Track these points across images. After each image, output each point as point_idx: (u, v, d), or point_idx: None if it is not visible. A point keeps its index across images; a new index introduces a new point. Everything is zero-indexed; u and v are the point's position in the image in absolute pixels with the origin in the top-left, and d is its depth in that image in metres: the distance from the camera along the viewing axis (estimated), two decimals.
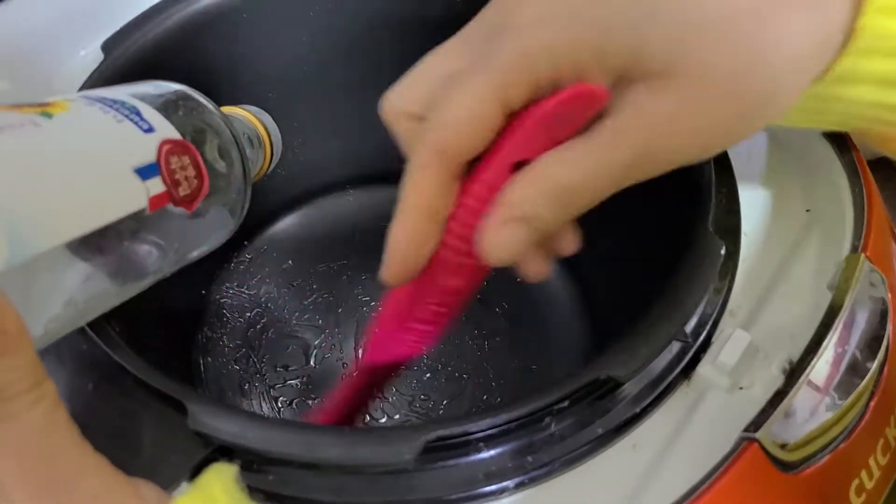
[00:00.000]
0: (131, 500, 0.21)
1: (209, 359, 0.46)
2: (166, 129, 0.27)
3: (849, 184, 0.32)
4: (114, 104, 0.26)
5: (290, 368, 0.46)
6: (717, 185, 0.33)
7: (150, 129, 0.26)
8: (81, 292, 0.23)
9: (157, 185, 0.25)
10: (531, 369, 0.45)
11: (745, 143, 0.37)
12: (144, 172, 0.25)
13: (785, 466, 0.25)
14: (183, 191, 0.26)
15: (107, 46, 0.37)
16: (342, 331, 0.47)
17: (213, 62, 0.40)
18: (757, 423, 0.25)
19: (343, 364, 0.46)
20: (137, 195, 0.25)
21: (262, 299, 0.49)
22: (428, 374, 0.45)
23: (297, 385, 0.45)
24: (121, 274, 0.25)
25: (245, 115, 0.36)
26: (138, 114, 0.26)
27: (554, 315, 0.47)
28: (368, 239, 0.51)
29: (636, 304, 0.32)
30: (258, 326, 0.48)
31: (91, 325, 0.29)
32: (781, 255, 0.33)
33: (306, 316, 0.48)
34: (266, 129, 0.36)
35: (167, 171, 0.26)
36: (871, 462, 0.27)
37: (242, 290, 0.49)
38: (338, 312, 0.48)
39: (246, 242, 0.51)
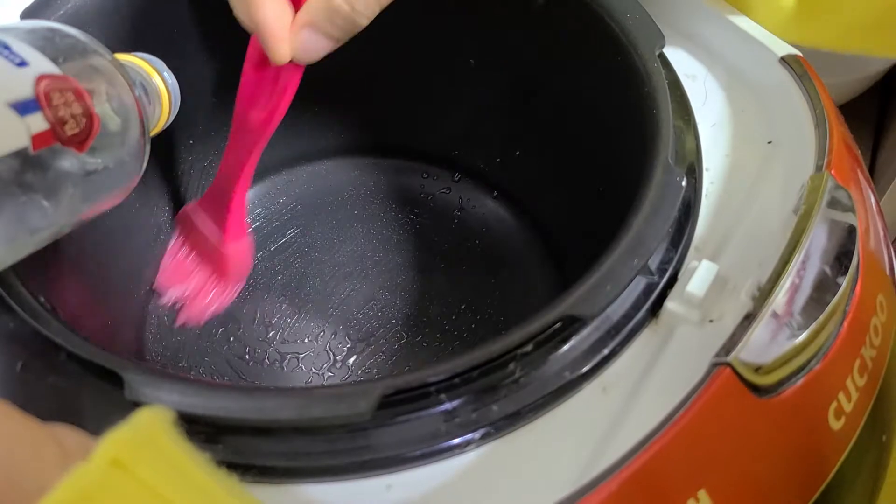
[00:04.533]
0: (45, 446, 0.19)
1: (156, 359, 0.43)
2: (43, 64, 0.25)
3: (808, 106, 0.32)
4: None
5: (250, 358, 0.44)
6: (675, 119, 0.32)
7: (23, 63, 0.24)
8: None
9: (39, 123, 0.24)
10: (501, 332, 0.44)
11: (702, 77, 0.36)
12: (22, 108, 0.23)
13: (760, 391, 0.24)
14: (70, 129, 0.25)
15: (27, 15, 0.34)
16: (310, 315, 0.45)
17: (151, 28, 0.38)
18: (728, 348, 0.24)
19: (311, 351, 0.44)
20: (17, 132, 0.23)
21: None
22: (396, 345, 0.44)
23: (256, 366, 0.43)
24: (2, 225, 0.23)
25: (138, 62, 0.33)
26: (7, 48, 0.24)
27: (519, 273, 0.46)
28: (320, 212, 0.49)
29: (603, 248, 0.31)
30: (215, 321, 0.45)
31: (19, 301, 0.28)
32: (746, 188, 0.32)
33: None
34: (162, 77, 0.34)
35: (49, 108, 0.24)
36: (849, 383, 0.26)
37: None
38: (305, 293, 0.46)
39: None
